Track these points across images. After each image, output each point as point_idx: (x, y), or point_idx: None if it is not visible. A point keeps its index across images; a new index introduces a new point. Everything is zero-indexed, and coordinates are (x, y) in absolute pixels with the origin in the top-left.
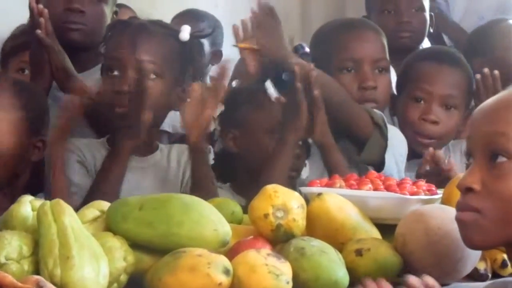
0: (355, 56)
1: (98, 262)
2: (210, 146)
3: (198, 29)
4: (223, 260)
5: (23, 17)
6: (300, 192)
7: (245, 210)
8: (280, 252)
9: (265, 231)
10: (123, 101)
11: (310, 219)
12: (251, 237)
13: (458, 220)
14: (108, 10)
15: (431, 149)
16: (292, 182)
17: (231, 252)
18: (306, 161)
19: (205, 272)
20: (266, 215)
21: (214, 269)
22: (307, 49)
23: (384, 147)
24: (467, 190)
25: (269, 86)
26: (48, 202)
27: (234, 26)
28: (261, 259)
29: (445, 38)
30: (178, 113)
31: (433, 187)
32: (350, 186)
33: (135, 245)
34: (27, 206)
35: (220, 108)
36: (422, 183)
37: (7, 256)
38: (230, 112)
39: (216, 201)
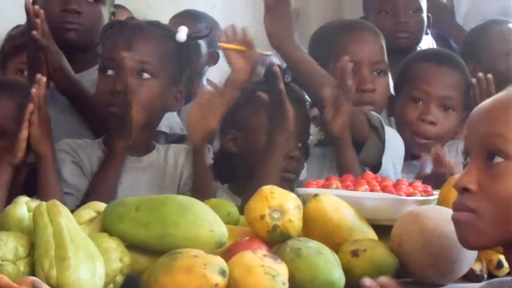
0: (353, 58)
1: (94, 263)
2: (210, 146)
3: (195, 30)
4: (219, 261)
5: (20, 18)
6: (297, 193)
7: (241, 211)
8: (276, 253)
9: (262, 232)
10: (117, 100)
11: (307, 220)
12: (247, 238)
13: (454, 220)
14: (105, 11)
15: (434, 148)
16: (290, 185)
17: (227, 253)
18: (305, 163)
19: (201, 273)
20: (262, 216)
21: (210, 270)
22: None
23: (381, 150)
24: (463, 190)
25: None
26: (44, 203)
27: (224, 29)
28: (258, 260)
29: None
30: (175, 113)
31: (429, 188)
32: (346, 187)
33: (131, 246)
34: (23, 207)
35: None
36: (418, 184)
37: (3, 257)
38: (231, 112)
39: (212, 202)
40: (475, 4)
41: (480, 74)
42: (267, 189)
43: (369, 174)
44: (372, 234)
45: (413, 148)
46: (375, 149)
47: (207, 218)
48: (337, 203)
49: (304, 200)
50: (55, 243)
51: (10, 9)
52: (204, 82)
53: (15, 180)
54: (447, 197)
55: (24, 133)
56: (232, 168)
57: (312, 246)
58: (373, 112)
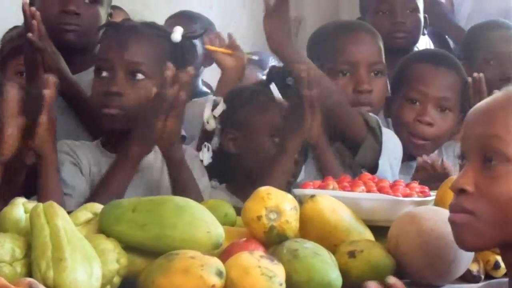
0: (351, 59)
1: (91, 264)
2: (209, 145)
3: (191, 30)
4: (216, 262)
5: (18, 19)
6: (294, 194)
7: (238, 212)
8: (273, 254)
9: (258, 233)
10: (111, 102)
11: (303, 221)
12: (244, 239)
13: (451, 221)
14: (103, 12)
15: (423, 157)
16: (288, 187)
17: (224, 254)
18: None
19: (198, 274)
20: (259, 217)
21: (207, 271)
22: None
23: (378, 151)
24: (460, 192)
25: (274, 89)
26: (41, 204)
27: (209, 36)
28: (254, 261)
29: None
30: None
31: (426, 189)
32: (343, 188)
33: (128, 247)
34: (19, 208)
35: (223, 107)
36: (415, 185)
37: (0, 258)
38: (231, 112)
39: (209, 203)
40: (478, 4)
41: (475, 74)
42: (263, 190)
43: (366, 175)
44: (369, 235)
45: (410, 149)
46: (372, 150)
47: (204, 219)
48: (334, 204)
49: (301, 201)
50: (52, 244)
51: (8, 10)
52: (200, 82)
53: (14, 181)
54: (444, 198)
55: (9, 130)
56: (230, 168)
57: (309, 247)
58: (370, 114)
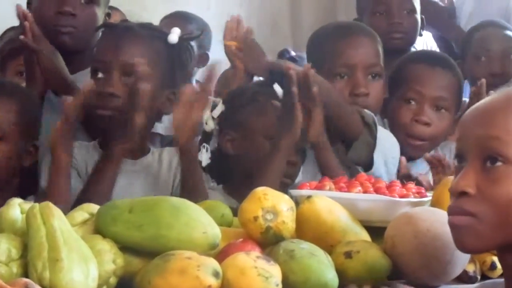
0: (348, 62)
1: (87, 264)
2: (208, 146)
3: (186, 31)
4: (212, 263)
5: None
6: (290, 195)
7: (235, 212)
8: (269, 255)
9: (255, 234)
10: (106, 103)
11: (300, 221)
12: (241, 239)
13: (452, 224)
14: (100, 12)
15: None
16: (285, 189)
17: (221, 255)
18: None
19: (194, 274)
20: (255, 218)
21: (204, 271)
22: (293, 53)
23: (373, 147)
24: (460, 194)
25: (278, 89)
26: (37, 204)
27: (228, 23)
28: (251, 262)
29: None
30: (171, 115)
31: (423, 190)
32: (339, 189)
33: (124, 247)
34: (16, 209)
35: (222, 108)
36: (412, 185)
37: None
38: (230, 113)
39: (206, 204)
40: (479, 5)
41: (483, 80)
42: (260, 190)
43: (362, 175)
44: (365, 236)
45: (408, 150)
46: (367, 146)
47: (200, 220)
48: (330, 204)
49: (298, 201)
50: (48, 245)
51: (7, 10)
52: (194, 83)
53: (10, 182)
54: (441, 198)
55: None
56: (228, 169)
57: (305, 248)
58: (366, 110)
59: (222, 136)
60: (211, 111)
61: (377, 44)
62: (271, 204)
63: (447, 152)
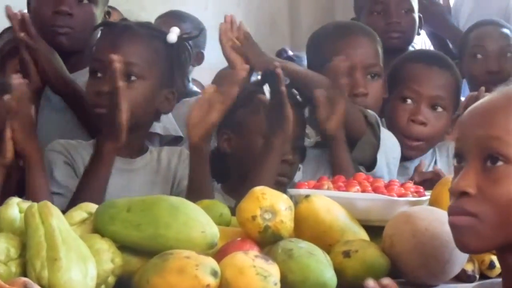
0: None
1: (85, 264)
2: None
3: (181, 30)
4: (211, 262)
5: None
6: (288, 194)
7: (233, 212)
8: (268, 254)
9: (253, 233)
10: (103, 102)
11: (298, 220)
12: (239, 239)
13: (452, 224)
14: (98, 11)
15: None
16: (283, 188)
17: (219, 254)
18: (300, 165)
19: (193, 274)
20: (254, 217)
21: (202, 271)
22: (290, 53)
23: (376, 147)
24: (461, 194)
25: (266, 90)
26: (35, 204)
27: (222, 25)
28: (249, 261)
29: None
30: (170, 115)
31: (421, 189)
32: (338, 188)
33: (122, 247)
34: (14, 208)
35: None
36: (410, 184)
37: None
38: (228, 112)
39: (204, 203)
40: (478, 5)
41: (482, 88)
42: (258, 190)
43: (360, 175)
44: (363, 235)
45: (405, 150)
46: (370, 146)
47: (198, 219)
48: (328, 204)
49: (296, 201)
50: (47, 244)
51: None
52: (190, 81)
53: (8, 182)
54: (439, 198)
55: (8, 133)
56: (226, 168)
57: (303, 247)
58: (369, 110)
59: (219, 136)
60: None
61: (377, 44)
62: (269, 203)
63: (444, 152)
